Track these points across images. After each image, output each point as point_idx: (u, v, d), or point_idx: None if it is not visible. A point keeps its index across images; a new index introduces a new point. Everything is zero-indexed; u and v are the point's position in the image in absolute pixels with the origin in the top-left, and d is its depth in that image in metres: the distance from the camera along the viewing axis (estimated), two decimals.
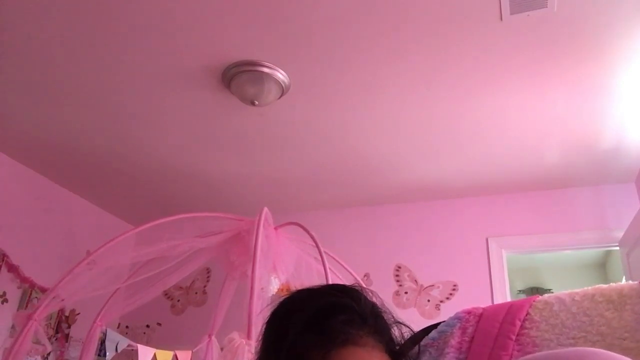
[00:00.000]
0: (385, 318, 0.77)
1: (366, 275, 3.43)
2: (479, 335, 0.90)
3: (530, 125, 2.63)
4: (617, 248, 3.08)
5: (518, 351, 0.85)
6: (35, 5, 1.92)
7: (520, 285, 4.86)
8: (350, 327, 0.71)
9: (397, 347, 0.76)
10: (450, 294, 3.28)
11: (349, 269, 2.74)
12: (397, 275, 3.43)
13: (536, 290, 4.75)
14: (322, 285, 0.83)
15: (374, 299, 0.78)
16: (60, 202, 3.49)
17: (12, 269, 3.03)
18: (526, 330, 0.87)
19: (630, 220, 2.80)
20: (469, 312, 0.96)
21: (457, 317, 0.96)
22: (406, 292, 3.37)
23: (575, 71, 2.20)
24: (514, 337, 0.87)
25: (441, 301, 3.28)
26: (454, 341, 0.90)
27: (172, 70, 2.29)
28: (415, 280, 3.38)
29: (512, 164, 3.04)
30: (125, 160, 3.13)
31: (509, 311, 0.91)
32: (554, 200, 3.29)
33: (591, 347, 0.81)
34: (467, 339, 0.91)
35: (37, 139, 2.92)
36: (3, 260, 2.98)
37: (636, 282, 0.89)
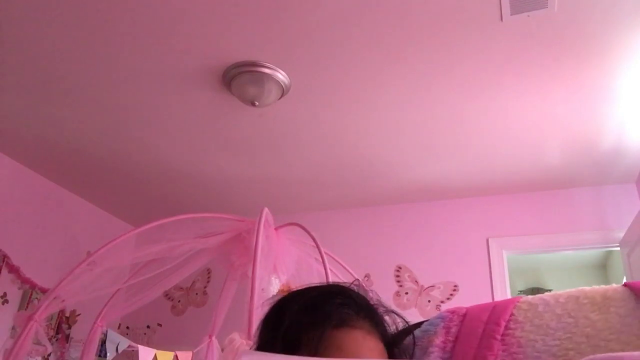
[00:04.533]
0: (379, 311, 0.76)
1: (367, 275, 3.43)
2: (463, 335, 0.90)
3: (531, 126, 2.63)
4: (618, 248, 3.08)
5: (503, 351, 0.86)
6: (35, 5, 1.93)
7: (521, 286, 4.85)
8: (347, 308, 0.71)
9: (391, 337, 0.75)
10: (451, 295, 3.28)
11: (349, 269, 2.73)
12: (397, 276, 3.43)
13: (537, 291, 4.74)
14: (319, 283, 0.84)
15: (372, 296, 0.77)
16: (61, 202, 3.49)
17: (13, 270, 3.03)
18: (511, 331, 0.87)
19: (631, 220, 2.80)
20: (452, 312, 0.96)
21: (441, 317, 0.95)
22: (407, 293, 3.37)
23: (575, 71, 2.20)
24: (499, 338, 0.87)
25: (442, 302, 3.28)
26: (438, 340, 0.90)
27: (173, 71, 2.29)
28: (416, 281, 3.38)
29: (513, 164, 3.04)
30: (126, 160, 3.13)
31: (493, 311, 0.91)
32: (554, 200, 3.29)
33: (576, 347, 0.81)
34: (451, 338, 0.90)
35: (37, 139, 2.92)
36: (4, 261, 2.98)
37: (620, 285, 0.89)
